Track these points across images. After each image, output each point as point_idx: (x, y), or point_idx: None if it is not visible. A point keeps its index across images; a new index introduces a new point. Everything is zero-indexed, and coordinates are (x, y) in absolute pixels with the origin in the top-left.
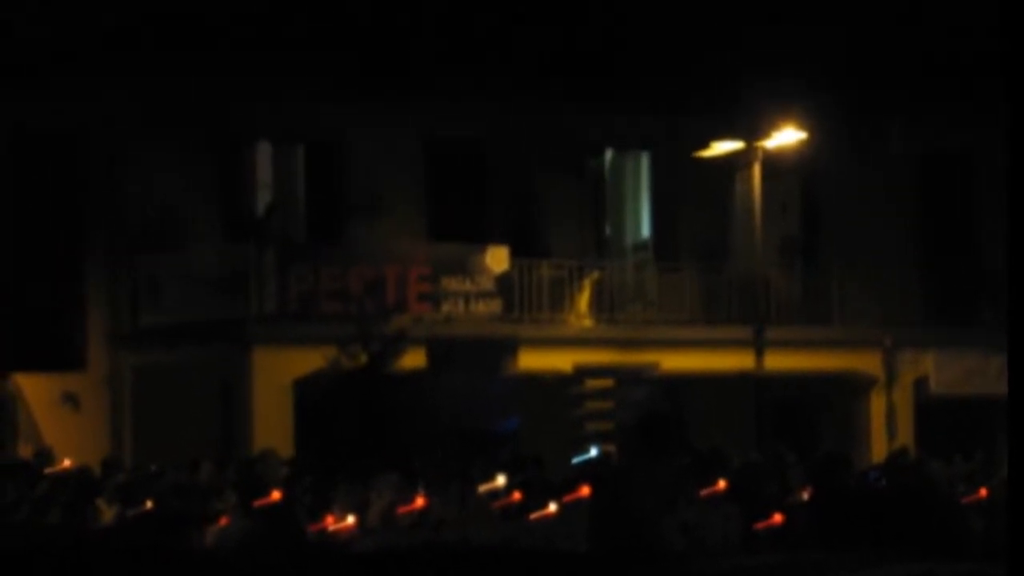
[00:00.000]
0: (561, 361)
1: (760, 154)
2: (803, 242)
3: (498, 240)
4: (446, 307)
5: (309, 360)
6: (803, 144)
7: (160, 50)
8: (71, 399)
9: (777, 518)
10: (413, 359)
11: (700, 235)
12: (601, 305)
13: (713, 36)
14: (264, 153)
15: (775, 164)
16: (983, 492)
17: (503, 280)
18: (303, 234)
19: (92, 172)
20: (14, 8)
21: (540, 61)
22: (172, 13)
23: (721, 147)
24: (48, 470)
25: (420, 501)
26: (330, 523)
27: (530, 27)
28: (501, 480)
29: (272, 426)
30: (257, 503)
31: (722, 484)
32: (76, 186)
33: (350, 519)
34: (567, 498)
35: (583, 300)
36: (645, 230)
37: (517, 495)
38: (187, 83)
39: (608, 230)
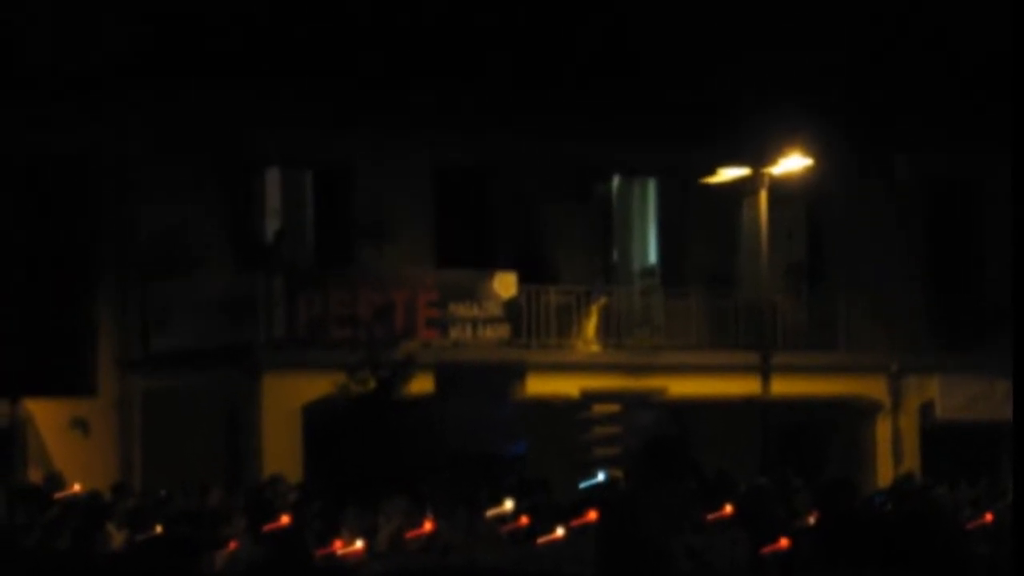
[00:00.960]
0: (568, 386)
1: (767, 180)
2: (809, 268)
3: (506, 266)
4: (454, 333)
5: (318, 385)
6: (809, 171)
7: (170, 77)
8: (81, 424)
9: (783, 542)
10: (421, 384)
11: (707, 261)
12: (608, 331)
13: (719, 63)
14: (273, 179)
15: (781, 190)
16: (988, 517)
17: (511, 306)
18: (312, 260)
19: (103, 199)
20: (26, 34)
21: (547, 88)
22: (182, 40)
23: (728, 174)
24: (58, 495)
25: (428, 525)
26: (339, 547)
27: (537, 54)
28: (509, 504)
29: (281, 451)
30: (266, 528)
31: (729, 509)
32: (87, 213)
33: (359, 543)
34: (574, 522)
35: (590, 326)
36: (652, 256)
37: (524, 519)
38: (197, 110)
39: (615, 256)
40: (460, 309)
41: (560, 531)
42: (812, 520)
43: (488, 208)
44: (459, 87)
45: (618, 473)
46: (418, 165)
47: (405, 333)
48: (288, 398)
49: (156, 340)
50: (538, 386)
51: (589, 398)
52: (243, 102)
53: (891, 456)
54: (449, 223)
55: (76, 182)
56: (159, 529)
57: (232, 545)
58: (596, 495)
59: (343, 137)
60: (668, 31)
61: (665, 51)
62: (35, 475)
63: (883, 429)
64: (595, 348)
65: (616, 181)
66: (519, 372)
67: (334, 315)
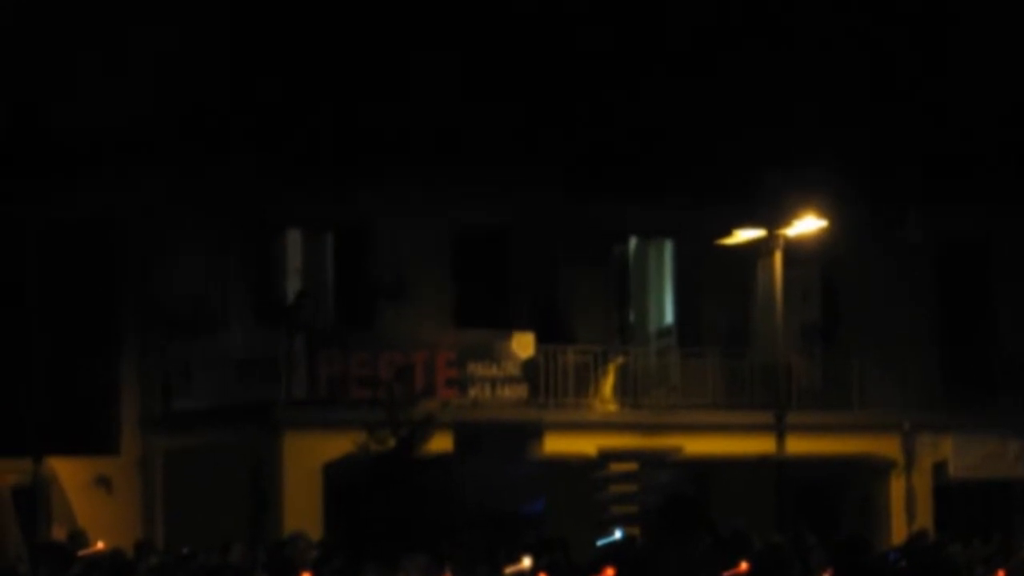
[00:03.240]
0: (586, 445)
1: (781, 242)
2: (823, 328)
3: (524, 326)
4: (473, 392)
5: (338, 444)
6: (823, 232)
7: (191, 140)
8: (104, 482)
9: None
10: (440, 443)
11: (722, 321)
12: (625, 390)
13: (734, 126)
14: (294, 241)
15: (796, 252)
16: (1001, 574)
17: (529, 366)
18: (332, 320)
19: (125, 260)
20: (49, 101)
21: (565, 150)
22: (203, 105)
23: (743, 235)
24: (82, 552)
25: None
26: None
27: (555, 117)
28: (527, 562)
29: (302, 509)
30: None
31: (744, 566)
32: (110, 273)
33: None
34: None
35: (607, 385)
36: (668, 316)
37: None
38: (218, 172)
39: (632, 316)
40: (479, 369)
41: None
42: None
43: (506, 269)
44: (478, 150)
45: (635, 531)
46: (437, 226)
47: (424, 392)
48: (309, 456)
49: (178, 399)
50: (556, 445)
51: (606, 457)
52: (264, 164)
53: (905, 514)
54: (468, 284)
55: (99, 242)
56: None
57: None
58: (613, 553)
59: (363, 199)
60: (684, 94)
61: (681, 114)
62: (59, 533)
63: (897, 487)
64: (612, 407)
65: (633, 242)
66: (537, 431)
67: (354, 375)
